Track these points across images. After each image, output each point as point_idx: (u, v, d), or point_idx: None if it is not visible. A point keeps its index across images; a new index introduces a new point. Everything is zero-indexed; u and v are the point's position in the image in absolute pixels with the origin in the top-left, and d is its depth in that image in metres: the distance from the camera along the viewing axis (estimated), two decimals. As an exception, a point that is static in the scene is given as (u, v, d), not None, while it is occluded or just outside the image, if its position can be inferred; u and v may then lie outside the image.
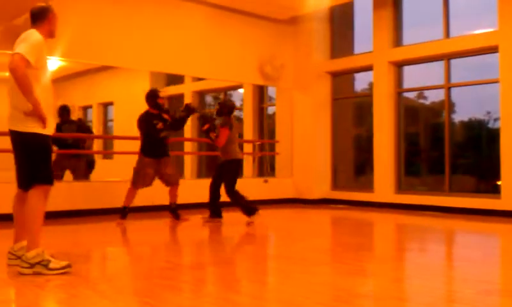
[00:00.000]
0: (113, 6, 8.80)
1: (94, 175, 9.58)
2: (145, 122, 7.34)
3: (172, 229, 7.26)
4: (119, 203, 7.48)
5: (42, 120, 3.99)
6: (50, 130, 4.14)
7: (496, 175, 8.71)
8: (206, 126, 7.21)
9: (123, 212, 7.33)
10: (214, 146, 7.59)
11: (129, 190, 7.35)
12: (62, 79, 13.72)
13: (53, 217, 7.21)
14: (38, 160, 4.06)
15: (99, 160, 13.16)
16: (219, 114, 7.44)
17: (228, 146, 7.32)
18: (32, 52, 3.93)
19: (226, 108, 7.39)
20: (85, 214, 8.17)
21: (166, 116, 7.42)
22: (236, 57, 10.45)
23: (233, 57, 10.39)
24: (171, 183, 7.54)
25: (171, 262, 4.93)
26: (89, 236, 6.60)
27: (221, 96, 13.59)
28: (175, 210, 7.66)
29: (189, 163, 13.63)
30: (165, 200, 7.80)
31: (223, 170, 7.40)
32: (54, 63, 9.61)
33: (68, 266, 4.07)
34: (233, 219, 7.58)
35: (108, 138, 15.48)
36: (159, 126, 7.30)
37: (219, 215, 7.52)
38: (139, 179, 7.30)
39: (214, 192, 7.45)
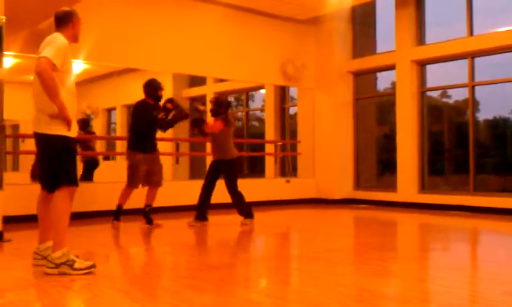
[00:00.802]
0: (135, 9, 8.92)
1: (119, 176, 9.67)
2: (144, 111, 6.96)
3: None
4: (133, 204, 7.48)
5: (67, 122, 4.05)
6: (74, 132, 4.21)
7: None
8: (196, 130, 7.23)
9: (118, 212, 6.96)
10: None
11: (124, 189, 6.98)
12: (86, 82, 13.87)
13: (78, 217, 7.33)
14: (63, 162, 4.13)
15: (122, 162, 13.31)
16: (215, 114, 7.21)
17: (227, 145, 7.17)
18: (58, 55, 3.99)
19: (223, 107, 7.22)
20: (111, 215, 8.25)
21: (161, 115, 7.10)
22: (257, 58, 10.48)
23: (254, 58, 10.42)
24: (155, 183, 7.11)
25: (194, 262, 4.96)
26: (115, 237, 6.67)
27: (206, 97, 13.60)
28: (148, 214, 7.16)
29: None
30: (187, 199, 7.87)
31: (224, 170, 7.18)
32: (78, 66, 9.74)
33: (93, 266, 4.13)
34: (237, 219, 7.52)
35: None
36: (161, 115, 7.01)
37: (206, 218, 7.32)
38: (137, 177, 6.91)
39: (208, 193, 7.26)
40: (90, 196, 8.14)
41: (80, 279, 3.93)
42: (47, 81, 3.92)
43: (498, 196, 8.80)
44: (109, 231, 6.96)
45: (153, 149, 7.09)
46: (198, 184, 7.40)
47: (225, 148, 7.16)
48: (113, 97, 15.31)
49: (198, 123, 7.16)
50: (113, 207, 7.14)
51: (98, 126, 14.90)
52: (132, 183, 6.96)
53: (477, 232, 7.48)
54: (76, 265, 4.05)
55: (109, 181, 9.19)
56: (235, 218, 7.35)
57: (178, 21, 9.40)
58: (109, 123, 15.23)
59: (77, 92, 4.36)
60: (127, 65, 9.60)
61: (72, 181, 4.16)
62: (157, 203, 7.50)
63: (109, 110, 16.33)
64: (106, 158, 13.88)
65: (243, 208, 7.21)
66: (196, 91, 14.42)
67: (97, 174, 10.46)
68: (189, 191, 8.96)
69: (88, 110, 14.76)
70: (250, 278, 4.34)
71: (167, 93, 9.47)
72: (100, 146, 14.17)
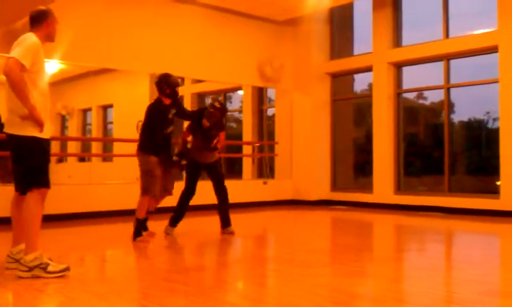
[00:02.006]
0: (113, 9, 8.82)
1: (94, 178, 9.59)
2: (159, 113, 6.08)
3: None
4: (119, 205, 7.46)
5: (39, 124, 3.98)
6: (47, 133, 4.13)
7: (496, 175, 8.70)
8: (184, 162, 6.46)
9: (140, 227, 6.03)
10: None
11: (141, 200, 6.04)
12: (62, 82, 13.71)
13: (52, 220, 7.22)
14: (35, 164, 4.05)
15: (98, 163, 13.18)
16: (220, 126, 6.57)
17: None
18: (27, 55, 3.92)
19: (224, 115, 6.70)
20: (85, 217, 8.16)
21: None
22: (235, 59, 10.46)
23: (232, 59, 10.40)
24: (167, 191, 6.40)
25: (172, 265, 4.92)
26: (88, 239, 6.59)
27: (209, 101, 13.57)
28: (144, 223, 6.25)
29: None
30: (165, 201, 7.80)
31: (216, 168, 6.60)
32: (54, 66, 9.61)
33: (67, 269, 4.06)
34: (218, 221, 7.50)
35: (107, 141, 15.49)
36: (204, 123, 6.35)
37: (176, 224, 6.66)
38: (156, 183, 6.03)
39: (189, 198, 6.60)
40: (66, 198, 8.03)
41: (53, 282, 3.87)
42: (14, 82, 3.85)
43: (473, 197, 8.92)
44: (84, 234, 6.87)
45: (168, 152, 6.26)
46: (175, 186, 7.33)
47: (215, 151, 6.60)
48: (89, 98, 15.16)
49: (185, 154, 6.46)
50: (89, 209, 7.06)
51: (73, 127, 14.73)
52: (149, 191, 5.99)
53: (452, 233, 7.57)
54: (50, 268, 3.98)
55: (84, 183, 9.10)
56: (212, 219, 7.31)
57: (156, 21, 9.33)
58: (85, 124, 15.06)
59: (52, 92, 4.29)
60: (103, 65, 9.50)
61: (43, 183, 4.09)
62: (133, 205, 7.42)
63: (85, 111, 16.16)
64: (81, 159, 13.73)
65: (227, 213, 6.64)
66: (173, 92, 14.33)
67: (73, 176, 10.33)
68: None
69: (63, 111, 14.58)
70: (228, 281, 4.32)
71: (143, 94, 9.42)
72: (75, 148, 14.02)
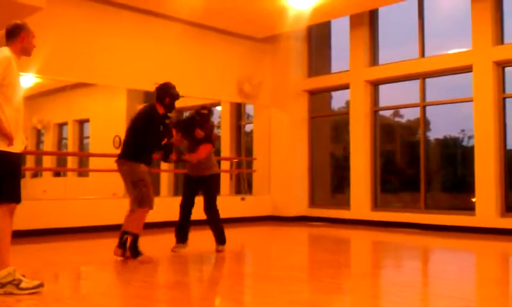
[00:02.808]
0: (91, 24, 8.77)
1: (69, 193, 9.45)
2: (156, 119, 5.73)
3: (147, 247, 7.14)
4: (94, 221, 7.36)
5: (8, 138, 3.93)
6: (18, 147, 4.07)
7: (471, 192, 8.81)
8: (174, 157, 6.16)
9: (135, 246, 5.67)
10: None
11: (137, 213, 5.66)
12: (38, 96, 13.56)
13: (27, 235, 7.09)
14: (3, 178, 3.98)
15: (74, 178, 13.00)
16: (200, 126, 6.29)
17: (212, 159, 6.46)
18: None
19: (209, 121, 6.48)
20: (60, 232, 8.02)
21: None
22: (214, 75, 10.47)
23: (211, 75, 10.41)
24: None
25: (147, 281, 4.86)
26: (63, 255, 6.48)
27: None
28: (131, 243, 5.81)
29: (166, 180, 13.52)
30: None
31: (208, 185, 6.40)
32: (30, 80, 9.49)
33: (41, 285, 3.98)
34: (198, 237, 7.46)
35: (83, 155, 15.33)
36: (173, 132, 5.99)
37: (186, 240, 6.47)
38: (150, 193, 5.66)
39: (189, 212, 6.47)
40: (41, 213, 7.89)
41: (26, 298, 3.78)
42: None
43: (449, 214, 9.03)
44: (59, 250, 6.75)
45: (152, 162, 5.94)
46: (158, 201, 7.26)
47: (211, 163, 6.41)
48: (65, 112, 15.00)
49: (179, 152, 6.29)
50: (64, 224, 6.93)
51: (49, 142, 14.55)
52: (146, 202, 5.62)
53: (428, 249, 7.63)
54: (22, 285, 3.90)
55: (59, 198, 8.96)
56: (192, 235, 7.25)
57: (134, 36, 9.30)
58: (60, 139, 14.88)
59: (28, 106, 4.25)
60: (80, 79, 9.41)
61: (12, 198, 4.01)
62: (111, 221, 7.33)
63: (61, 125, 15.98)
64: (57, 174, 13.54)
65: (220, 231, 6.48)
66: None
67: (48, 190, 10.18)
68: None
69: (38, 125, 14.40)
70: (204, 297, 4.27)
71: (120, 109, 9.34)
72: (50, 162, 13.83)
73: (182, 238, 6.42)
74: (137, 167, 5.56)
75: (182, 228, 6.44)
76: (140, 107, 11.43)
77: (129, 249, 5.64)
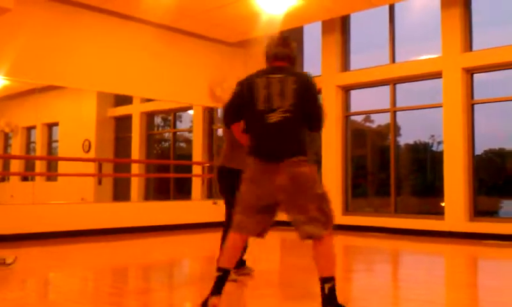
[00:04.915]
0: (60, 26, 8.64)
1: (37, 198, 9.28)
2: None
3: (97, 255, 7.06)
4: (63, 226, 7.23)
5: None
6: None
7: (440, 197, 8.94)
8: None
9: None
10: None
11: (330, 241, 3.66)
12: (5, 98, 13.29)
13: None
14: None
15: (42, 182, 12.76)
16: None
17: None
18: None
19: None
20: (28, 238, 7.86)
21: None
22: (186, 79, 10.42)
23: (183, 79, 10.36)
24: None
25: (117, 287, 4.78)
26: (30, 261, 6.34)
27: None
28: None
29: (136, 185, 13.38)
30: (110, 222, 7.62)
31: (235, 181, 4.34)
32: (-3, 82, 9.31)
33: None
34: (167, 243, 7.43)
35: (52, 159, 15.07)
36: None
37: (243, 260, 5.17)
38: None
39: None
40: (8, 218, 7.72)
41: (-10, 307, 3.69)
42: None
43: (418, 218, 9.13)
44: (26, 255, 6.60)
45: None
46: (122, 207, 7.19)
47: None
48: (34, 115, 14.75)
49: None
50: (32, 229, 6.80)
51: (16, 145, 14.26)
52: (331, 223, 3.93)
53: (399, 253, 7.70)
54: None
55: (27, 203, 8.78)
56: (163, 240, 7.19)
57: (105, 38, 9.20)
58: (29, 142, 14.59)
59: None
60: (50, 82, 9.26)
61: None
62: (79, 226, 7.23)
63: (29, 129, 15.69)
64: (24, 178, 13.27)
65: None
66: (121, 111, 14.13)
67: (16, 195, 9.97)
68: (112, 213, 8.71)
69: (6, 128, 14.10)
70: (174, 303, 4.22)
71: (90, 112, 9.23)
72: (18, 166, 13.56)
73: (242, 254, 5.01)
74: (316, 170, 3.91)
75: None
76: (111, 110, 11.27)
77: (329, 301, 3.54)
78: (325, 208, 3.61)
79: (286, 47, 4.03)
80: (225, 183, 5.07)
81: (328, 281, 3.50)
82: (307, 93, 3.69)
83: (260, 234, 3.84)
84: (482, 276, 5.81)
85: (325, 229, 3.57)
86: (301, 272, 5.54)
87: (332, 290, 3.49)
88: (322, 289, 3.52)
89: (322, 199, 3.62)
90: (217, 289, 3.57)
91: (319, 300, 4.17)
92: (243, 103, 3.75)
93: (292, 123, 3.60)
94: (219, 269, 3.62)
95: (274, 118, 3.59)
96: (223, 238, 4.91)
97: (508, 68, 8.53)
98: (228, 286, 4.79)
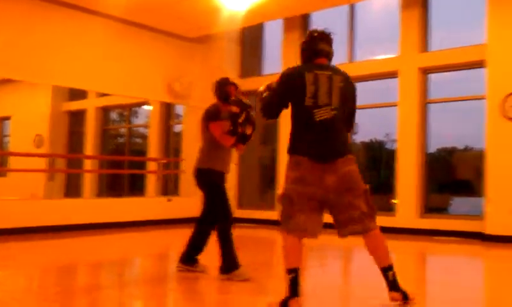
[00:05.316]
0: (14, 17, 8.36)
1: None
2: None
3: (44, 252, 6.89)
4: (12, 223, 7.00)
5: None
6: None
7: (393, 194, 9.09)
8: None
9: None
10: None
11: (382, 236, 3.97)
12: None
13: None
14: None
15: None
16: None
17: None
18: None
19: None
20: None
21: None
22: (143, 74, 10.26)
23: (140, 73, 10.19)
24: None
25: (63, 285, 4.66)
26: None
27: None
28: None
29: (89, 181, 13.13)
30: (61, 219, 7.43)
31: (213, 182, 5.06)
32: None
33: None
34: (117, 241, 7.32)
35: (3, 154, 14.65)
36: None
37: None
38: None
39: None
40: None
41: None
42: None
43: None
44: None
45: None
46: (74, 203, 7.02)
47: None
48: (-16, 108, 14.30)
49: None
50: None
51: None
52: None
53: (351, 249, 7.77)
54: None
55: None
56: (116, 237, 7.07)
57: (62, 32, 8.95)
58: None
59: None
60: (2, 76, 8.98)
61: None
62: (27, 223, 7.02)
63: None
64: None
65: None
66: (76, 105, 13.83)
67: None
68: (63, 210, 8.51)
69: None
70: (124, 302, 4.14)
71: (44, 106, 8.99)
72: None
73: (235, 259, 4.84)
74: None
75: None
76: (65, 104, 11.01)
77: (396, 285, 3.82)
78: (370, 202, 3.75)
79: (330, 45, 3.95)
80: (202, 185, 5.04)
81: (390, 269, 3.79)
82: (351, 93, 3.74)
83: (316, 235, 3.85)
84: (431, 271, 5.93)
85: (375, 222, 3.75)
86: (255, 268, 5.52)
87: (395, 276, 3.76)
88: (387, 277, 3.78)
89: (368, 194, 3.75)
90: (294, 291, 3.58)
91: (271, 295, 4.16)
92: (290, 96, 3.67)
93: (339, 121, 3.62)
94: (290, 271, 3.62)
95: (323, 115, 3.55)
96: (196, 235, 5.11)
97: (463, 68, 8.74)
98: (182, 283, 4.74)
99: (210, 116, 4.94)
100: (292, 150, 3.64)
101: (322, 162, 3.54)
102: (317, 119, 3.54)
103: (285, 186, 3.62)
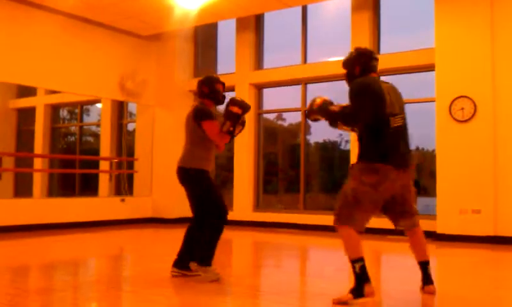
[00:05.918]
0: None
1: None
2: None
3: (17, 252, 6.68)
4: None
5: None
6: None
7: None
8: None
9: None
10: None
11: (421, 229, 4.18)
12: None
13: None
14: None
15: None
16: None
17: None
18: None
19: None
20: None
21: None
22: (95, 71, 10.06)
23: (91, 71, 9.99)
24: None
25: (14, 287, 4.52)
26: None
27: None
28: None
29: (39, 181, 12.77)
30: (10, 219, 7.20)
31: (197, 181, 5.01)
32: None
33: None
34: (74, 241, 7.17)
35: None
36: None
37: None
38: None
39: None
40: None
41: None
42: None
43: (326, 214, 9.36)
44: None
45: None
46: (24, 203, 6.81)
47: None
48: None
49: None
50: None
51: None
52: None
53: (307, 248, 7.87)
54: None
55: None
56: (72, 238, 6.90)
57: (11, 27, 8.66)
58: None
59: None
60: None
61: None
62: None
63: None
64: None
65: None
66: (24, 102, 13.43)
67: None
68: (13, 210, 8.25)
69: None
70: (77, 304, 4.05)
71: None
72: None
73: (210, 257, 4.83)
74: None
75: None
76: (13, 101, 10.68)
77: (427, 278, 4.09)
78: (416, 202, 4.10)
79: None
80: (189, 185, 4.98)
81: (429, 263, 4.09)
82: (404, 105, 4.03)
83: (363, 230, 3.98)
84: (387, 269, 6.06)
85: (418, 220, 4.11)
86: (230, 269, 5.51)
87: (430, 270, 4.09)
88: (426, 270, 4.06)
89: (416, 195, 4.08)
90: (366, 277, 3.74)
91: (230, 295, 4.16)
92: (378, 105, 3.78)
93: (407, 129, 3.95)
94: (357, 260, 3.76)
95: (398, 122, 3.83)
96: (188, 236, 5.14)
97: (414, 71, 8.96)
98: (137, 285, 4.67)
99: (206, 114, 4.87)
100: (367, 156, 3.80)
101: (399, 169, 3.77)
102: (394, 128, 3.79)
103: (357, 187, 3.77)
